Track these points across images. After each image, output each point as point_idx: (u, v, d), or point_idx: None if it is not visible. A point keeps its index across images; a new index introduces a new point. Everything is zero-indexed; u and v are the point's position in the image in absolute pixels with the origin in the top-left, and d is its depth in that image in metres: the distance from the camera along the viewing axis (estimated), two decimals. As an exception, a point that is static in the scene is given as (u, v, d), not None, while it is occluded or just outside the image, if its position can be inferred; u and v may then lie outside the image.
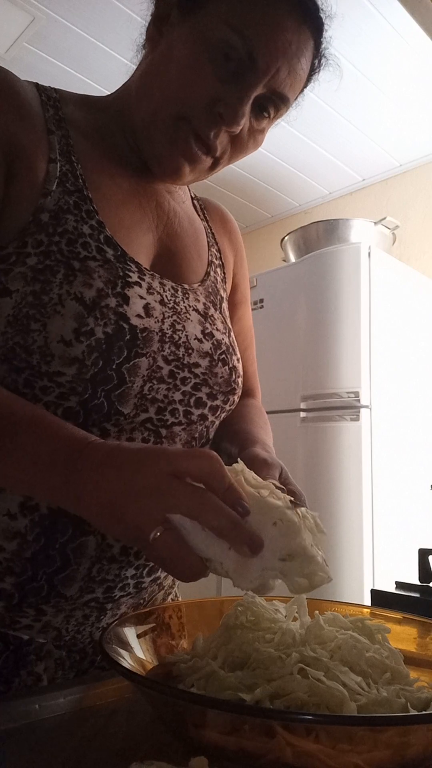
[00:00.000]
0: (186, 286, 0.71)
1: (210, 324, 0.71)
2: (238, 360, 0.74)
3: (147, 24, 0.68)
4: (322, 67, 0.69)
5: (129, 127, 0.69)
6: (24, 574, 0.61)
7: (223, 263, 0.82)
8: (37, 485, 0.51)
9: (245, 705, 0.40)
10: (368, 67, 2.26)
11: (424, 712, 0.41)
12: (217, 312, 0.74)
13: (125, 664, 0.42)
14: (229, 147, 0.67)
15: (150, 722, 0.46)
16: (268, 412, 0.88)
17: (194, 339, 0.68)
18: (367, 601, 0.93)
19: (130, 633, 0.52)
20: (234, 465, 0.51)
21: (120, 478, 0.46)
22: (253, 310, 2.41)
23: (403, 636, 0.56)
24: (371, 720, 0.35)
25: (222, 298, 0.78)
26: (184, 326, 0.67)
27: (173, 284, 0.69)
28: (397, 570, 1.98)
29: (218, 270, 0.80)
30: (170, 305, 0.67)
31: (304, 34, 0.63)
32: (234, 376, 0.72)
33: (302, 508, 0.49)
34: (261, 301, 2.41)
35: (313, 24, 0.64)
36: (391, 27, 2.08)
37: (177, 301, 0.68)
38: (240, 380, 0.74)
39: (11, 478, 0.53)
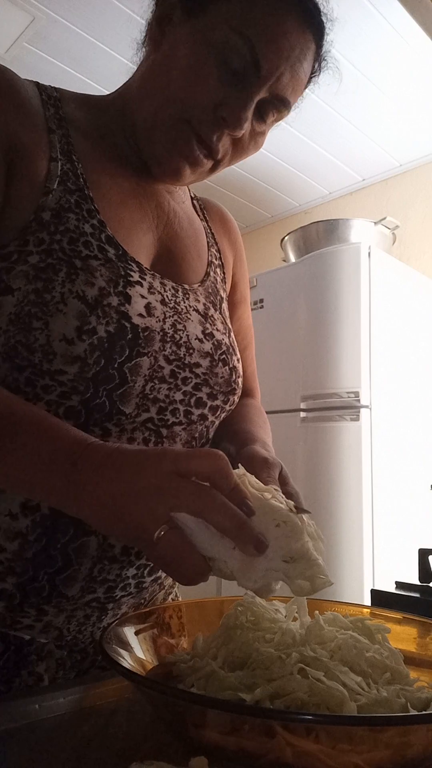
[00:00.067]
0: (186, 286, 0.71)
1: (210, 324, 0.71)
2: (238, 360, 0.74)
3: (148, 22, 0.68)
4: (322, 70, 0.69)
5: (129, 126, 0.69)
6: (25, 575, 0.61)
7: (222, 263, 0.82)
8: (37, 486, 0.51)
9: (245, 705, 0.40)
10: (368, 67, 2.26)
11: (424, 712, 0.41)
12: (217, 312, 0.75)
13: (125, 664, 0.42)
14: (231, 149, 0.67)
15: (150, 722, 0.46)
16: (268, 412, 0.88)
17: (195, 339, 0.68)
18: (367, 601, 0.93)
19: (130, 633, 0.52)
20: (235, 470, 0.50)
21: (121, 478, 0.46)
22: (253, 310, 2.41)
23: (403, 636, 0.56)
24: (371, 720, 0.35)
25: (222, 298, 0.78)
26: (185, 326, 0.67)
27: (173, 284, 0.69)
28: (397, 570, 1.98)
29: (218, 270, 0.80)
30: (171, 305, 0.67)
31: (306, 38, 0.63)
32: (234, 377, 0.72)
33: (303, 515, 0.49)
34: (261, 301, 2.41)
35: (315, 28, 0.64)
36: (391, 27, 2.08)
37: (177, 301, 0.68)
38: (240, 380, 0.74)
39: (11, 478, 0.53)
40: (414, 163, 2.89)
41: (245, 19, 0.60)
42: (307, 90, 0.69)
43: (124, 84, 0.72)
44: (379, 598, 0.91)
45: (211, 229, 0.83)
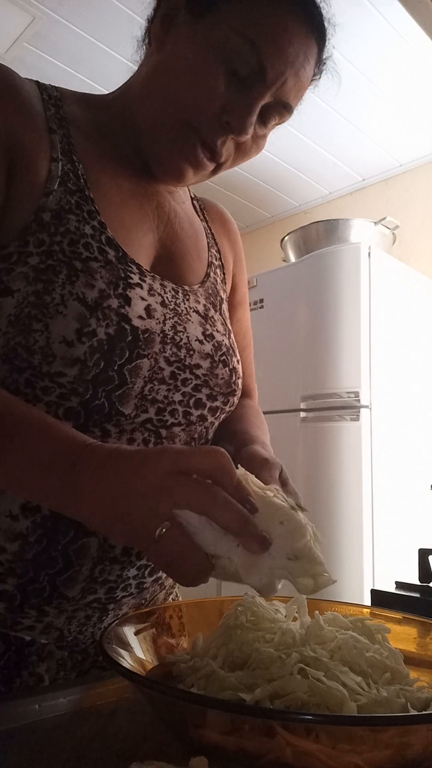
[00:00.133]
0: (186, 287, 0.71)
1: (210, 325, 0.71)
2: (238, 361, 0.74)
3: (149, 20, 0.68)
4: (322, 73, 0.69)
5: (131, 126, 0.69)
6: (26, 576, 0.61)
7: (222, 264, 0.82)
8: (36, 487, 0.51)
9: (245, 705, 0.40)
10: (368, 67, 2.26)
11: (424, 712, 0.41)
12: (217, 313, 0.75)
13: (125, 664, 0.42)
14: (233, 152, 0.67)
15: (150, 722, 0.46)
16: (268, 412, 0.88)
17: (195, 340, 0.68)
18: (367, 601, 0.93)
19: (130, 633, 0.52)
20: (237, 470, 0.50)
21: (120, 479, 0.46)
22: (253, 310, 2.41)
23: (403, 636, 0.56)
24: (371, 720, 0.35)
25: (222, 299, 0.78)
26: (185, 327, 0.67)
27: (174, 286, 0.69)
28: (397, 570, 1.98)
29: (218, 271, 0.80)
30: (171, 307, 0.67)
31: (310, 44, 0.64)
32: (234, 378, 0.72)
33: (302, 513, 0.49)
34: (261, 301, 2.41)
35: (318, 33, 0.65)
36: (391, 27, 2.08)
37: (177, 302, 0.68)
38: (240, 382, 0.74)
39: (9, 479, 0.52)
40: (414, 163, 2.89)
41: (251, 24, 0.60)
42: (307, 91, 0.70)
43: (126, 83, 0.72)
44: (379, 598, 0.91)
45: (211, 230, 0.83)
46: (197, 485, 0.44)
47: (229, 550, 0.45)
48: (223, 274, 0.82)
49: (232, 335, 0.76)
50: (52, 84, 0.70)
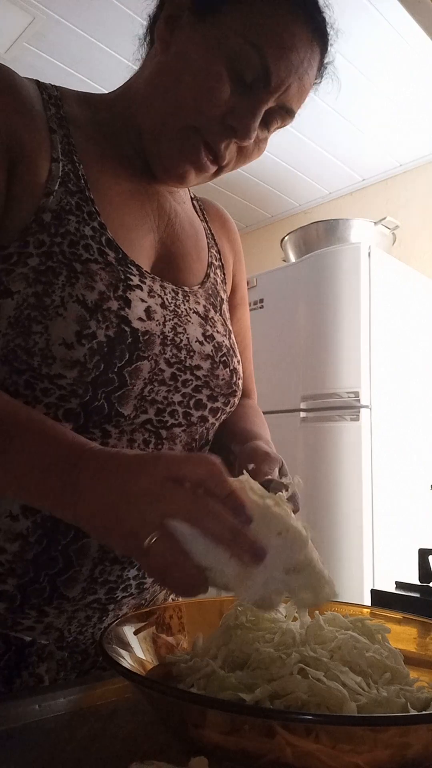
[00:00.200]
0: (186, 288, 0.71)
1: (210, 326, 0.71)
2: (238, 362, 0.74)
3: (151, 17, 0.68)
4: (323, 78, 0.69)
5: (133, 127, 0.69)
6: (26, 576, 0.61)
7: (222, 264, 0.82)
8: (34, 490, 0.50)
9: (245, 705, 0.40)
10: (368, 67, 2.26)
11: (424, 712, 0.42)
12: (218, 314, 0.74)
13: (125, 664, 0.42)
14: (235, 155, 0.67)
15: (150, 722, 0.46)
16: (267, 412, 0.88)
17: (195, 341, 0.68)
18: (367, 601, 0.93)
19: (130, 633, 0.52)
20: (240, 477, 0.49)
21: (117, 483, 0.45)
22: (253, 310, 2.41)
23: (403, 636, 0.56)
24: (371, 720, 0.35)
25: (222, 299, 0.78)
26: (185, 329, 0.67)
27: (174, 287, 0.69)
28: (397, 570, 1.98)
29: (218, 271, 0.80)
30: (171, 308, 0.67)
31: (314, 50, 0.64)
32: (235, 378, 0.72)
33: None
34: (261, 301, 2.41)
35: (321, 39, 0.65)
36: (391, 27, 2.08)
37: (177, 303, 0.68)
38: (240, 382, 0.74)
39: (9, 481, 0.52)
40: (414, 163, 2.89)
41: (259, 31, 0.60)
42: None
43: (127, 83, 0.71)
44: (379, 598, 0.91)
45: (210, 230, 0.83)
46: (187, 495, 0.43)
47: (221, 562, 0.43)
48: (223, 274, 0.82)
49: (232, 336, 0.76)
50: (52, 84, 0.70)
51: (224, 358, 0.71)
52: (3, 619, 0.62)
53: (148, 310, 0.63)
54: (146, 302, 0.63)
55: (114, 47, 2.23)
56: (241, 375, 0.75)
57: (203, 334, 0.69)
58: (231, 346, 0.74)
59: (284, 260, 2.71)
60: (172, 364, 0.65)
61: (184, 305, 0.69)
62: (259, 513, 0.45)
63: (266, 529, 0.44)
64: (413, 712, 0.42)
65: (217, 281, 0.78)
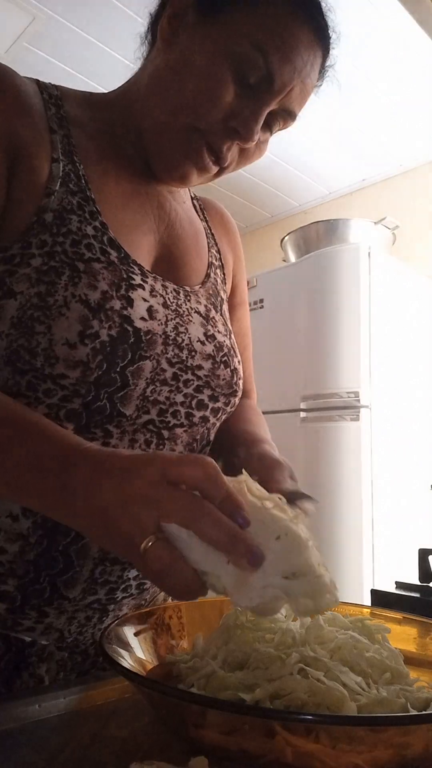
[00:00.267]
0: (187, 288, 0.71)
1: (212, 326, 0.71)
2: (239, 362, 0.74)
3: (153, 15, 0.68)
4: (324, 80, 0.70)
5: (134, 126, 0.68)
6: (26, 576, 0.61)
7: (223, 264, 0.82)
8: (31, 491, 0.50)
9: (245, 705, 0.40)
10: (368, 67, 2.26)
11: (424, 712, 0.42)
12: (218, 314, 0.74)
13: (125, 664, 0.42)
14: (237, 157, 0.67)
15: (150, 722, 0.46)
16: (267, 412, 0.88)
17: (197, 341, 0.68)
18: (367, 601, 0.93)
19: (130, 633, 0.52)
20: (239, 475, 0.47)
21: (112, 485, 0.44)
22: (253, 310, 2.41)
23: (403, 636, 0.56)
24: (371, 720, 0.35)
25: (222, 299, 0.78)
26: (186, 329, 0.67)
27: (175, 286, 0.69)
28: (397, 570, 1.98)
29: (218, 271, 0.80)
30: (173, 308, 0.66)
31: (316, 54, 0.64)
32: (235, 378, 0.72)
33: (307, 501, 0.48)
34: (261, 301, 2.41)
35: (323, 43, 0.65)
36: (391, 27, 2.08)
37: (179, 303, 0.68)
38: (241, 382, 0.74)
39: (8, 481, 0.51)
40: (414, 163, 2.89)
41: (264, 34, 0.60)
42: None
43: (128, 82, 0.71)
44: (379, 598, 0.91)
45: (211, 230, 0.83)
46: (182, 498, 0.42)
47: (218, 567, 0.42)
48: (224, 274, 0.82)
49: (232, 336, 0.76)
50: (53, 83, 0.70)
51: (225, 358, 0.71)
52: (3, 620, 0.62)
53: (150, 310, 0.63)
54: (148, 302, 0.63)
55: (114, 47, 2.23)
56: (242, 375, 0.75)
57: (205, 334, 0.69)
58: (232, 346, 0.74)
59: (284, 260, 2.72)
60: (173, 363, 0.65)
61: (186, 305, 0.69)
62: (258, 515, 0.43)
63: (265, 532, 0.43)
64: (413, 712, 0.42)
65: (217, 281, 0.78)
